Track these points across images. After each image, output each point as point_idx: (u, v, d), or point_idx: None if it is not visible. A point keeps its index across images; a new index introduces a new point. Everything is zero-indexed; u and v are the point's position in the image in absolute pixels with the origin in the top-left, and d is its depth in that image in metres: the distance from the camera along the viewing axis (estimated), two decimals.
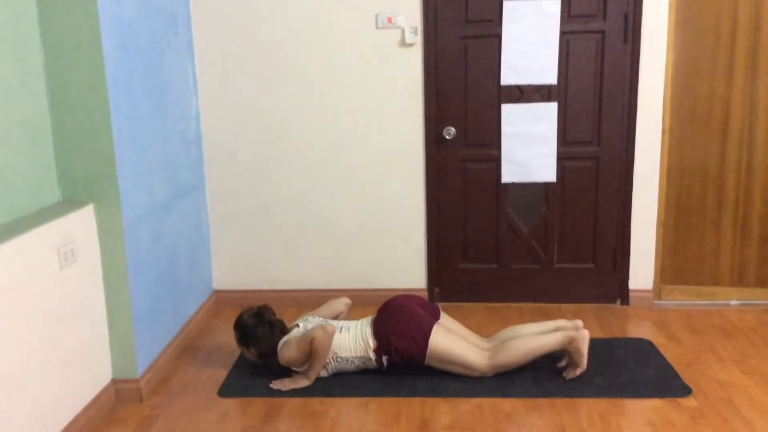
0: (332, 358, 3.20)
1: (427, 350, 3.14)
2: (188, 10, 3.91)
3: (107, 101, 2.86)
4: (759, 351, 3.47)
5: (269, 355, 3.28)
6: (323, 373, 3.24)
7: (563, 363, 3.27)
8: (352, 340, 3.22)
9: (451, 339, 3.19)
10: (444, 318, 3.31)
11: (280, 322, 3.33)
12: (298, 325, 3.33)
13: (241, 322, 3.30)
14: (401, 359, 3.18)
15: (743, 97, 3.86)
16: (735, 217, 4.00)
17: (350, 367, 3.24)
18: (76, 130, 2.90)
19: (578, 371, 3.15)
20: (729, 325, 3.80)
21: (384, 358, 3.20)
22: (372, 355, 3.20)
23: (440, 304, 4.13)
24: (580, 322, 3.27)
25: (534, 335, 3.22)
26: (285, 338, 3.25)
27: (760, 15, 3.76)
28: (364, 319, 3.32)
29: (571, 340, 3.15)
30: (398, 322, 3.20)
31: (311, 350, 3.13)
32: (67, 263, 2.75)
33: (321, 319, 3.37)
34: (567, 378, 3.16)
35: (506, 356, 3.16)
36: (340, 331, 3.25)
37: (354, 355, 3.21)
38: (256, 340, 3.26)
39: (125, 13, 3.05)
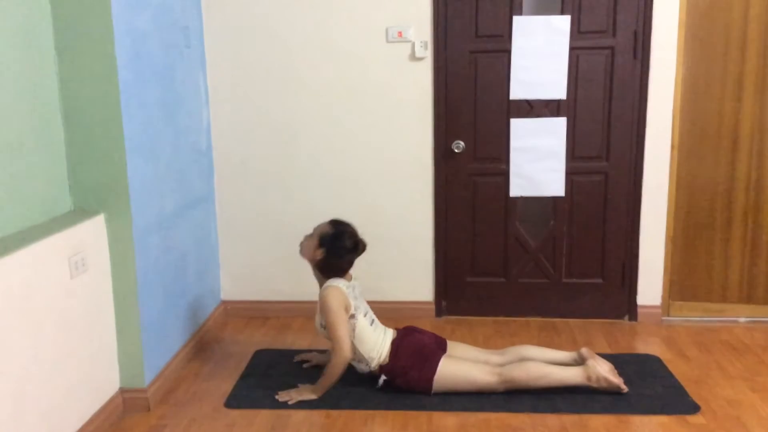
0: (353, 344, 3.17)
1: (434, 380, 3.13)
2: (201, 23, 3.95)
3: (120, 112, 2.89)
4: None
5: (320, 268, 3.23)
6: (323, 334, 3.24)
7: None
8: (372, 343, 3.20)
9: (458, 366, 3.18)
10: (451, 347, 3.31)
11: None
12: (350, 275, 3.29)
13: (346, 228, 3.24)
14: (407, 385, 3.17)
15: (753, 114, 3.86)
16: (744, 233, 3.99)
17: (353, 361, 3.22)
18: (88, 140, 2.92)
19: (622, 389, 3.13)
20: (738, 342, 3.78)
21: (382, 377, 3.20)
22: (374, 367, 3.20)
23: (446, 318, 4.16)
24: (584, 351, 3.24)
25: (551, 363, 3.20)
26: (335, 284, 3.16)
27: None
28: (389, 331, 3.31)
29: (589, 377, 3.12)
30: (417, 351, 3.19)
31: (331, 352, 3.14)
32: (78, 272, 2.77)
33: (366, 309, 3.29)
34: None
35: (519, 374, 3.13)
36: (371, 324, 3.24)
37: (362, 352, 3.18)
38: (336, 250, 3.18)
39: (139, 25, 3.09)
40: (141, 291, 3.08)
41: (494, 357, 3.30)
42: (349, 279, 3.28)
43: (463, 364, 3.19)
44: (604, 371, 3.12)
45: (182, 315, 3.62)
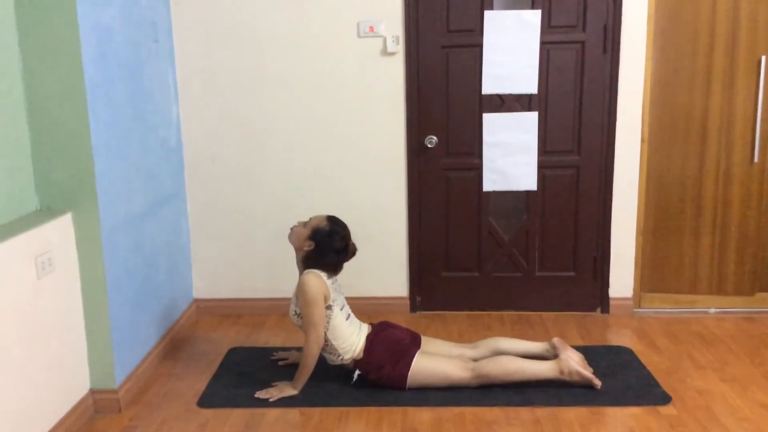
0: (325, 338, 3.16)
1: (408, 376, 3.14)
2: (169, 18, 3.89)
3: (86, 109, 2.84)
4: (737, 358, 3.50)
5: (305, 260, 3.20)
6: (297, 322, 3.22)
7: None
8: (347, 337, 3.19)
9: (431, 362, 3.18)
10: (425, 342, 3.31)
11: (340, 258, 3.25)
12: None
13: (341, 229, 3.21)
14: (380, 380, 3.18)
15: (721, 107, 3.91)
16: (713, 225, 4.04)
17: (325, 352, 3.21)
18: (54, 138, 2.87)
19: (596, 384, 3.14)
20: (708, 332, 3.84)
21: (356, 372, 3.20)
22: (346, 360, 3.20)
23: (421, 313, 4.17)
24: (555, 341, 3.26)
25: (523, 358, 3.21)
26: (317, 272, 3.14)
27: (738, 27, 3.81)
28: (364, 326, 3.30)
29: (561, 371, 3.14)
30: (390, 347, 3.20)
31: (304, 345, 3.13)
32: (45, 273, 2.72)
33: (343, 304, 3.27)
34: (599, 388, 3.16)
35: (492, 369, 3.14)
36: (347, 319, 3.23)
37: (335, 345, 3.17)
38: (323, 248, 3.16)
39: (105, 21, 3.03)
40: (110, 290, 3.04)
41: (468, 351, 3.31)
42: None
43: (437, 361, 3.19)
44: (576, 365, 3.14)
45: (153, 314, 3.58)
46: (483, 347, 3.32)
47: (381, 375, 3.17)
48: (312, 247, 3.17)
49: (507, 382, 3.15)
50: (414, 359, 3.16)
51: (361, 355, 3.19)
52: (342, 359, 3.21)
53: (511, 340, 3.37)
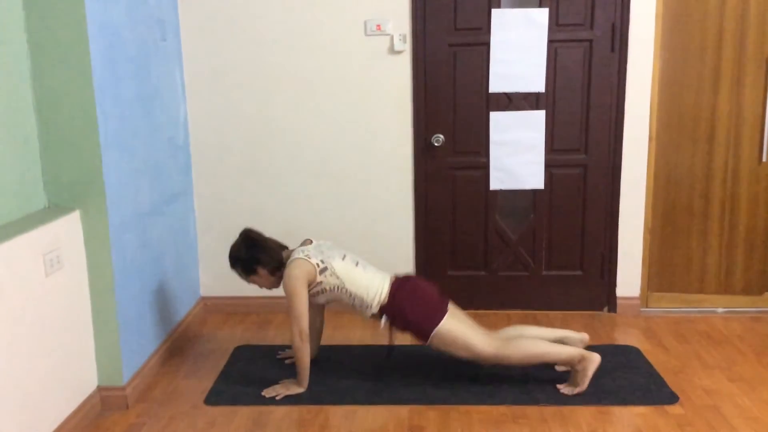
0: (337, 286, 3.14)
1: (435, 330, 3.10)
2: (177, 17, 3.90)
3: (94, 107, 2.85)
4: (745, 358, 3.49)
5: (271, 272, 3.24)
6: (320, 299, 3.22)
7: (561, 368, 3.27)
8: (367, 282, 3.17)
9: (460, 326, 3.14)
10: (454, 308, 3.26)
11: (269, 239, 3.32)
12: (310, 241, 3.30)
13: (234, 252, 3.28)
14: (406, 329, 3.15)
15: (729, 106, 3.90)
16: (721, 224, 4.02)
17: (347, 301, 3.19)
18: (62, 136, 2.88)
19: (576, 391, 3.11)
20: (715, 332, 3.82)
21: (384, 319, 3.16)
22: (375, 309, 3.15)
23: None
24: (586, 337, 3.26)
25: (545, 340, 3.18)
26: (298, 256, 3.15)
27: (746, 25, 3.79)
28: (385, 274, 3.27)
29: (581, 359, 3.10)
30: (418, 295, 3.17)
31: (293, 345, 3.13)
32: (53, 270, 2.73)
33: (344, 254, 3.26)
34: (563, 393, 3.12)
35: (513, 351, 3.10)
36: (357, 265, 3.21)
37: (360, 295, 3.15)
38: (260, 259, 3.22)
39: (113, 19, 3.04)
40: (118, 288, 3.05)
41: (492, 333, 3.24)
42: (309, 243, 3.29)
43: (465, 327, 3.16)
44: (591, 371, 3.09)
45: (161, 312, 3.58)
46: (502, 334, 3.24)
47: (407, 323, 3.14)
48: (267, 269, 3.22)
49: (526, 365, 3.14)
50: (444, 318, 3.12)
51: (386, 299, 3.16)
52: (372, 309, 3.15)
53: (536, 328, 3.31)
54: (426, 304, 3.17)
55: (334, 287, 3.15)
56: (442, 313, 3.14)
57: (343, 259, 3.21)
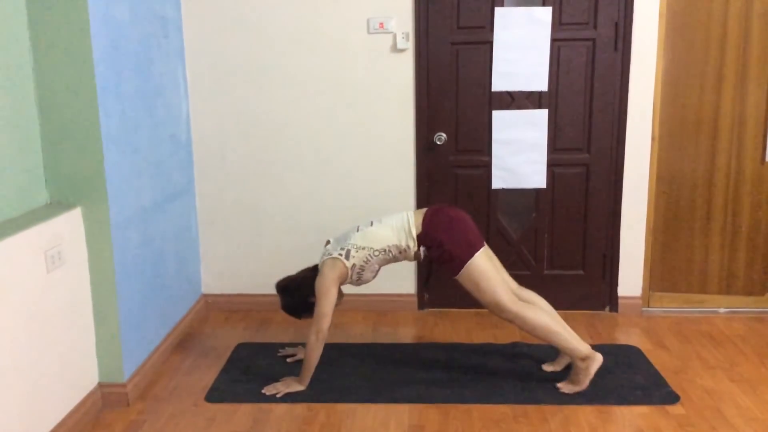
0: (369, 254, 3.13)
1: (469, 261, 3.07)
2: (179, 14, 3.90)
3: (96, 103, 2.85)
4: (747, 359, 3.48)
5: (309, 307, 3.23)
6: (368, 276, 3.21)
7: (550, 368, 3.27)
8: (389, 231, 3.15)
9: (493, 265, 3.14)
10: (488, 249, 3.24)
11: (301, 277, 3.32)
12: (328, 241, 3.32)
13: (286, 308, 3.32)
14: (440, 258, 3.12)
15: (732, 106, 3.89)
16: (724, 224, 4.02)
17: (389, 258, 3.17)
18: (64, 132, 2.88)
19: (577, 389, 3.11)
20: (717, 332, 3.82)
21: (422, 249, 3.14)
22: (411, 244, 3.13)
23: (429, 311, 4.16)
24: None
25: (563, 323, 3.18)
26: (335, 255, 3.15)
27: (750, 25, 3.79)
28: (407, 212, 3.24)
29: (586, 357, 3.09)
30: (455, 225, 3.14)
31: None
32: (54, 266, 2.73)
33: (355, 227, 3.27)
34: (562, 392, 3.12)
35: (533, 318, 3.08)
36: (371, 225, 3.21)
37: (391, 243, 3.13)
38: (305, 293, 3.22)
39: (116, 16, 3.04)
40: (119, 285, 3.05)
41: (516, 289, 3.25)
42: (328, 243, 3.31)
43: (496, 273, 3.13)
44: (593, 371, 3.10)
45: (162, 309, 3.58)
46: (527, 295, 3.25)
47: (442, 252, 3.10)
48: (310, 301, 3.20)
49: (538, 337, 3.13)
50: (479, 251, 3.10)
51: (420, 228, 3.14)
52: (411, 248, 3.13)
53: (550, 307, 3.30)
54: (461, 234, 3.13)
55: (367, 257, 3.14)
56: (478, 246, 3.12)
57: (358, 230, 3.21)
